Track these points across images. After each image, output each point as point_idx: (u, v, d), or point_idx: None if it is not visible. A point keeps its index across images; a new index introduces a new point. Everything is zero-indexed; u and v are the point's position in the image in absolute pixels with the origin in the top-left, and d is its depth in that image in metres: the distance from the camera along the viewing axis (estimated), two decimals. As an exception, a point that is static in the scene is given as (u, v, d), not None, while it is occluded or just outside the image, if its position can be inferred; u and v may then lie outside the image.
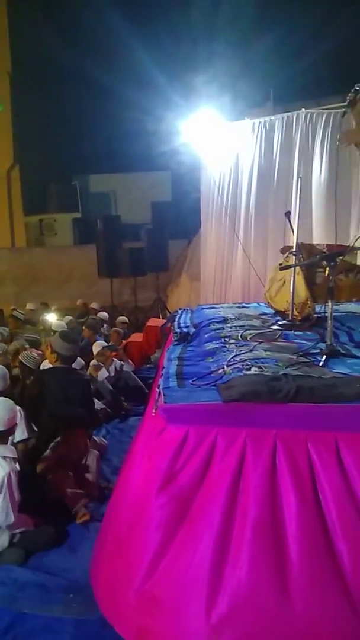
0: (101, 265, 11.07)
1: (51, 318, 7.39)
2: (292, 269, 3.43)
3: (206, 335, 3.37)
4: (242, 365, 2.35)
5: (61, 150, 16.65)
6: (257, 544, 1.76)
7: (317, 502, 1.80)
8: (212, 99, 6.22)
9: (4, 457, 2.67)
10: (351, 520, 1.80)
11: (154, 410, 2.21)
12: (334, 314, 2.71)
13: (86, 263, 12.27)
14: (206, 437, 1.85)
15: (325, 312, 3.32)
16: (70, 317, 8.20)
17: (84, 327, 7.47)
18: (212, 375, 2.35)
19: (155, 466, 1.88)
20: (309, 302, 3.57)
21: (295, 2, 10.86)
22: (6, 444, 2.79)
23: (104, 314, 8.85)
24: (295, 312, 3.55)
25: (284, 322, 3.51)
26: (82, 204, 16.55)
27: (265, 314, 4.20)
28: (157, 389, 2.43)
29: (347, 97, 2.65)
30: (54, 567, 2.60)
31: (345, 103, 2.69)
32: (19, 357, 4.49)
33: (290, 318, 3.51)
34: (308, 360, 2.40)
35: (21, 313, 8.67)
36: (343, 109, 2.74)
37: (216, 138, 6.93)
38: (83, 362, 4.73)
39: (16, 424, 2.93)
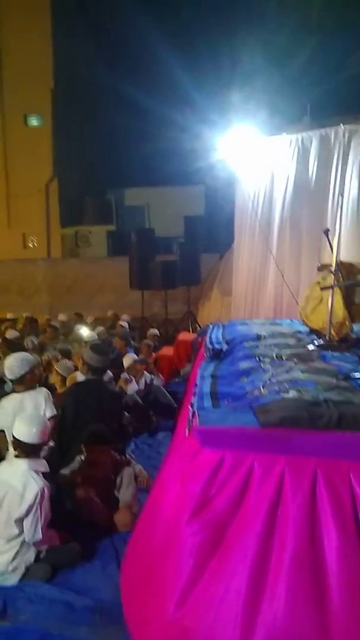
0: (133, 277, 11.17)
1: (84, 331, 7.46)
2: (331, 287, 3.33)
3: (240, 353, 3.31)
4: (280, 387, 2.28)
5: (98, 165, 17.05)
6: (295, 578, 1.68)
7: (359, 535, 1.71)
8: (249, 116, 6.23)
9: (37, 472, 2.67)
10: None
11: (187, 431, 2.16)
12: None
13: (118, 275, 12.42)
14: (242, 463, 1.78)
15: (364, 333, 3.22)
16: (101, 328, 8.27)
17: (115, 338, 7.52)
18: (248, 396, 2.29)
19: (188, 490, 1.83)
20: (347, 322, 3.47)
21: (331, 18, 10.84)
22: (39, 457, 2.79)
23: (124, 323, 8.87)
24: (333, 332, 3.44)
25: (321, 342, 3.41)
26: (117, 216, 16.85)
27: (300, 332, 4.10)
28: (190, 408, 2.39)
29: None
30: (80, 585, 2.58)
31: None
32: (55, 367, 4.53)
33: (327, 338, 3.41)
34: (349, 385, 2.30)
35: (57, 323, 8.83)
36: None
37: (252, 153, 6.92)
38: (112, 374, 4.74)
39: (49, 438, 2.92)
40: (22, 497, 2.57)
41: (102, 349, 4.07)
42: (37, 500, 2.56)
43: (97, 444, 3.17)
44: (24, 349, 5.97)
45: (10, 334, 7.69)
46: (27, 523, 2.59)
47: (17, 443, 2.70)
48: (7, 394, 3.65)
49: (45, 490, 2.62)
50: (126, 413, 4.45)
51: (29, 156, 16.05)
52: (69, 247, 16.64)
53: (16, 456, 2.72)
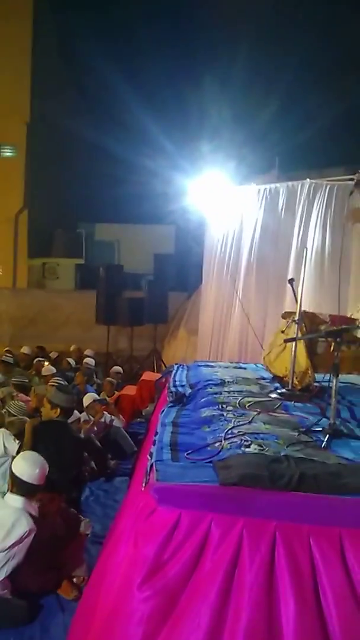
0: (99, 312, 11.07)
1: (50, 370, 7.28)
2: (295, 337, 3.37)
3: (202, 400, 3.26)
4: (241, 440, 2.24)
5: (69, 199, 17.14)
6: (250, 651, 1.58)
7: (318, 605, 1.63)
8: (218, 165, 6.46)
9: (29, 513, 2.59)
10: (353, 627, 1.63)
11: (143, 485, 2.06)
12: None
13: (85, 309, 12.27)
14: (200, 524, 1.70)
15: (326, 381, 3.25)
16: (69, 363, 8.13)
17: (76, 374, 7.33)
18: (209, 448, 2.22)
19: (141, 553, 1.71)
20: (309, 371, 3.50)
21: (300, 72, 11.53)
22: (33, 499, 2.72)
23: (90, 361, 8.68)
24: (295, 381, 3.46)
25: (283, 390, 3.41)
26: (86, 250, 16.84)
27: (264, 378, 4.11)
28: (148, 458, 2.30)
29: (355, 177, 2.71)
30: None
31: (353, 182, 2.74)
32: (6, 407, 4.33)
33: (289, 387, 3.42)
34: (310, 440, 2.29)
35: (10, 357, 8.49)
36: (350, 190, 2.79)
37: (221, 199, 7.12)
38: (79, 414, 4.57)
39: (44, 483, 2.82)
40: (8, 532, 2.52)
41: (67, 388, 4.00)
42: (21, 540, 2.48)
43: (48, 492, 2.98)
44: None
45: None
46: (2, 556, 2.47)
47: (18, 481, 2.68)
48: None
49: (31, 534, 2.52)
50: (86, 454, 4.28)
51: (0, 186, 16.00)
52: (36, 278, 16.42)
53: (11, 492, 2.69)
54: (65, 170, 17.27)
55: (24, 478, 2.67)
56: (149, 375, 7.24)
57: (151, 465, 2.09)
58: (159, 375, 6.19)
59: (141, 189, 12.44)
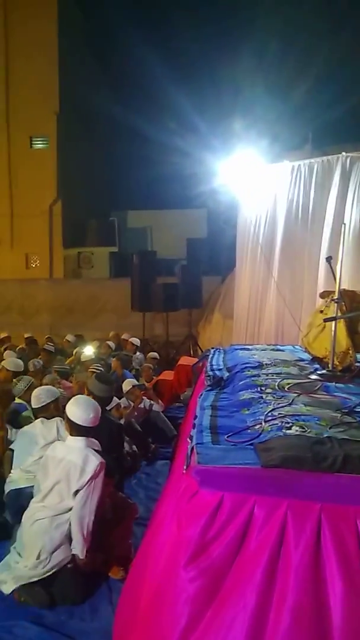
0: (135, 299, 11.15)
1: (88, 350, 7.39)
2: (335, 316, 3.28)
3: (241, 383, 3.23)
4: (282, 422, 2.20)
5: (102, 188, 17.30)
6: (296, 633, 1.57)
7: (366, 586, 1.61)
8: (251, 143, 6.30)
9: (93, 449, 2.80)
10: None
11: (185, 467, 2.07)
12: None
13: (120, 296, 12.43)
14: (243, 506, 1.69)
15: (368, 363, 3.15)
16: (109, 347, 8.25)
17: (113, 360, 7.43)
18: (249, 431, 2.20)
19: (185, 534, 1.73)
20: (350, 351, 3.40)
21: (334, 46, 11.08)
22: (92, 437, 2.91)
23: (135, 340, 8.82)
24: (336, 362, 3.37)
25: (324, 371, 3.33)
26: (120, 238, 16.98)
27: (302, 359, 4.03)
28: (188, 441, 2.30)
29: None
30: (72, 629, 2.44)
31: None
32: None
33: (330, 368, 3.33)
34: (353, 420, 2.22)
35: (52, 345, 8.74)
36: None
37: (254, 179, 6.96)
38: (118, 400, 4.65)
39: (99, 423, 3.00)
40: (82, 470, 2.71)
41: (107, 378, 4.09)
42: (96, 475, 2.68)
43: None
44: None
45: (9, 355, 7.60)
46: (79, 496, 2.66)
47: (75, 426, 2.87)
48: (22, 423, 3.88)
49: (103, 467, 2.71)
50: (127, 439, 4.35)
51: (34, 178, 16.28)
52: (72, 268, 16.72)
53: (71, 435, 2.88)
54: (96, 157, 17.37)
55: (80, 422, 2.85)
56: (185, 360, 7.26)
57: (192, 448, 2.09)
58: (196, 359, 6.19)
59: (172, 170, 12.36)
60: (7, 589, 2.64)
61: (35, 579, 2.62)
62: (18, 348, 8.93)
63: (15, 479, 3.46)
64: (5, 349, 8.34)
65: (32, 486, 3.06)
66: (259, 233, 7.11)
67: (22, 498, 3.27)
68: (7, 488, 3.48)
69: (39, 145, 16.90)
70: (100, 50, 17.75)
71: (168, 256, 13.76)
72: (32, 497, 2.98)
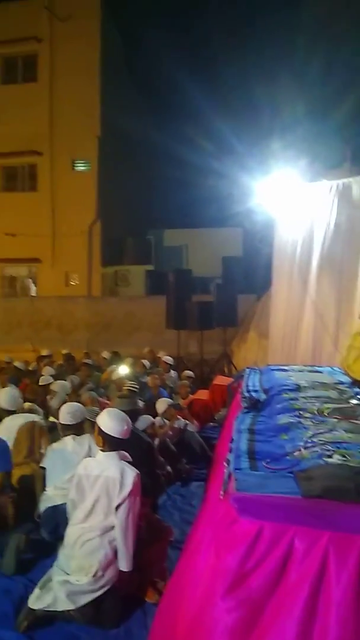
0: (170, 317, 11.23)
1: (123, 370, 7.47)
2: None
3: (278, 406, 3.19)
4: (322, 449, 2.15)
5: (139, 207, 17.66)
6: (339, 673, 1.51)
7: None
8: (289, 162, 6.32)
9: (127, 462, 2.83)
10: None
11: (222, 493, 2.05)
12: None
13: (155, 313, 12.55)
14: (283, 537, 1.66)
15: None
16: (143, 366, 8.31)
17: (149, 377, 7.47)
18: (288, 458, 2.17)
19: (223, 563, 1.71)
20: (393, 375, 3.30)
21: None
22: (124, 450, 2.94)
23: (169, 358, 8.85)
24: (378, 386, 3.28)
25: (365, 396, 3.24)
26: (156, 257, 17.24)
27: (342, 382, 3.94)
28: (225, 465, 2.28)
29: None
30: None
31: None
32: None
33: (371, 392, 3.24)
34: None
35: (90, 360, 8.91)
36: None
37: (291, 198, 6.94)
38: (152, 419, 4.66)
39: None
40: (122, 484, 2.74)
41: (128, 394, 4.11)
42: (135, 487, 2.70)
43: None
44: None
45: (47, 371, 7.80)
46: (121, 510, 2.68)
47: (108, 438, 2.88)
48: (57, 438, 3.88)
49: (139, 477, 2.75)
50: (162, 459, 4.35)
51: (75, 199, 16.83)
52: (109, 286, 17.07)
53: (103, 450, 2.90)
54: (134, 179, 17.81)
55: (113, 434, 2.86)
56: (221, 380, 7.22)
57: (229, 474, 2.07)
58: (231, 379, 6.15)
59: (208, 192, 12.51)
60: (63, 606, 2.59)
61: (92, 598, 2.60)
62: (56, 364, 9.15)
63: (50, 496, 3.50)
64: (44, 365, 8.57)
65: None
66: (296, 252, 7.06)
67: (58, 514, 3.31)
68: (42, 506, 3.51)
69: (80, 167, 17.49)
70: (138, 74, 18.35)
71: (203, 274, 13.83)
72: (66, 514, 3.00)
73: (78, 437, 3.58)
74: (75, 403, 4.01)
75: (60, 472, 3.51)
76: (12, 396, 4.54)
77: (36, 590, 2.67)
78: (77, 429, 3.65)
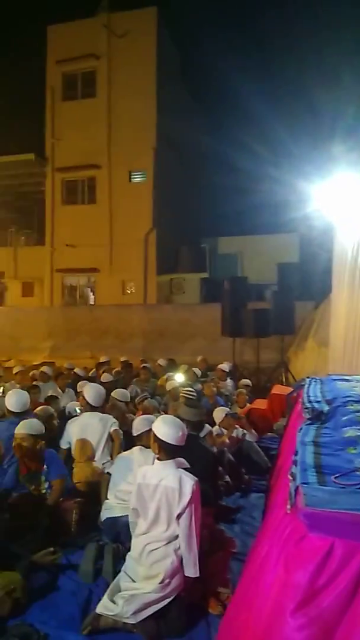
0: (225, 324, 11.17)
1: (178, 378, 7.51)
2: None
3: (344, 418, 3.08)
4: (394, 466, 2.06)
5: (193, 215, 17.81)
6: None
7: None
8: (351, 166, 6.13)
9: (183, 469, 2.82)
10: None
11: (288, 507, 2.02)
12: None
13: (210, 321, 12.54)
14: (355, 555, 1.60)
15: None
16: (194, 374, 8.29)
17: (205, 385, 7.46)
18: (358, 473, 2.09)
19: (293, 579, 1.67)
20: None
21: None
22: (179, 458, 2.92)
23: (225, 366, 8.77)
24: None
25: None
26: (210, 264, 17.30)
27: None
28: (290, 478, 2.24)
29: None
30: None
31: None
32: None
33: None
34: None
35: (148, 365, 9.02)
36: None
37: (352, 202, 6.73)
38: (210, 428, 4.66)
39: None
40: (181, 493, 2.73)
41: (196, 402, 4.09)
42: (194, 494, 2.69)
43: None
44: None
45: (105, 377, 7.99)
46: (183, 519, 2.69)
47: (164, 445, 2.86)
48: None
49: (198, 485, 2.73)
50: (220, 468, 4.33)
51: (131, 209, 17.28)
52: (164, 294, 17.31)
53: (159, 459, 2.88)
54: (188, 188, 18.01)
55: (169, 440, 2.83)
56: (279, 389, 7.08)
57: (296, 488, 2.03)
58: (290, 388, 6.01)
59: (263, 198, 12.38)
60: (127, 619, 2.60)
61: (157, 609, 2.61)
62: (114, 370, 9.37)
63: (111, 506, 3.56)
64: (103, 372, 8.80)
65: (127, 515, 3.07)
66: (358, 258, 6.81)
67: (118, 526, 3.37)
68: (104, 515, 3.58)
69: (137, 179, 17.94)
70: (193, 84, 18.57)
71: (259, 281, 13.68)
72: (127, 525, 3.01)
73: (145, 449, 3.61)
74: (145, 415, 4.06)
75: (122, 479, 3.58)
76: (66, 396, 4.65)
77: (105, 597, 2.72)
78: (140, 440, 3.70)
